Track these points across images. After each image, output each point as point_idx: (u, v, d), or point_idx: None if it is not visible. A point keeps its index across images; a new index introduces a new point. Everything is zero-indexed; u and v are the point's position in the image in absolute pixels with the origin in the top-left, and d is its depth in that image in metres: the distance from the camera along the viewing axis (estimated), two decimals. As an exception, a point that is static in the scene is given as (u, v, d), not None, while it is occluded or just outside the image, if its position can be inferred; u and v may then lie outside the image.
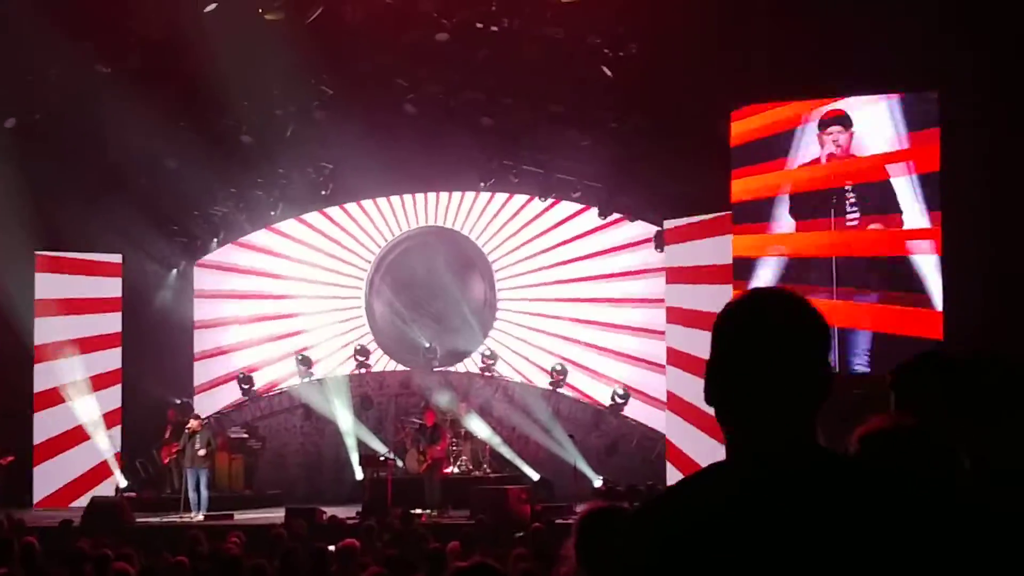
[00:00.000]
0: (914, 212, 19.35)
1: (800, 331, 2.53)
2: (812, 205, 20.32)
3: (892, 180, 19.62)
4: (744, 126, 20.93)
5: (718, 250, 21.57)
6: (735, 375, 2.53)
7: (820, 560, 2.33)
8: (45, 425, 24.86)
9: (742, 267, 20.70)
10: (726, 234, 21.32)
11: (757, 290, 2.65)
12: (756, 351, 2.50)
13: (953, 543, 2.34)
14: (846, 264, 19.81)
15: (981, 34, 17.77)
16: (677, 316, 22.78)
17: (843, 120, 20.17)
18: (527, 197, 26.23)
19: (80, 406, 24.78)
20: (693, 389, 21.56)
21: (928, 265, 19.26)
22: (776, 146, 20.68)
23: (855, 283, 19.59)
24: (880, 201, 19.74)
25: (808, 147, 20.49)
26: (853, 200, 19.87)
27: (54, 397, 24.86)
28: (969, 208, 18.47)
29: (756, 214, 20.77)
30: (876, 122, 19.90)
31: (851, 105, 20.23)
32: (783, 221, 20.57)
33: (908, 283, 19.44)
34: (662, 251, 23.80)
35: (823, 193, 20.12)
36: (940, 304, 19.00)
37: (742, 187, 20.92)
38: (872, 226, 19.76)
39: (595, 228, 25.80)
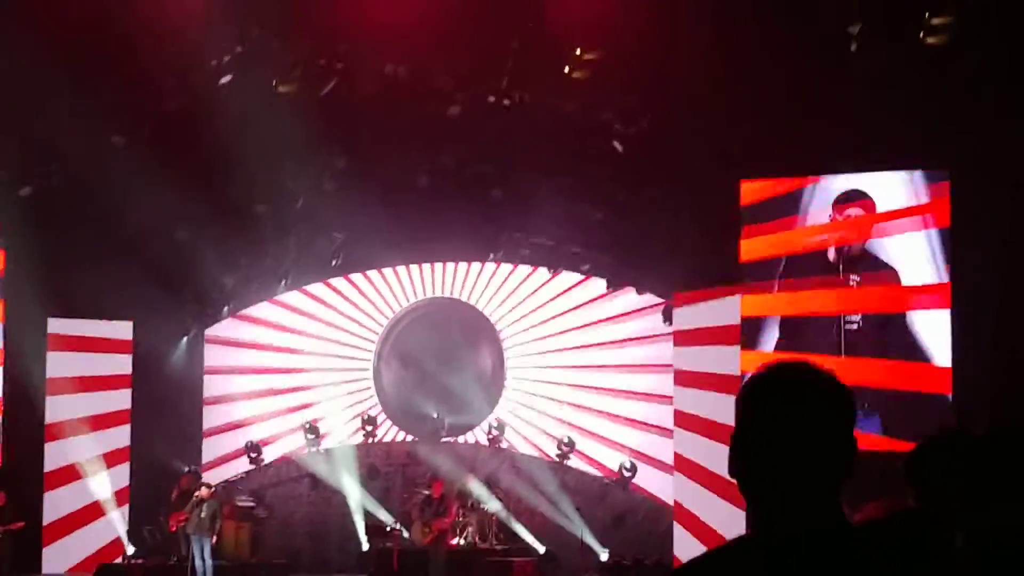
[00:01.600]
0: (927, 267, 19.34)
1: (826, 405, 2.53)
2: (819, 266, 20.39)
3: (888, 239, 19.70)
4: (757, 186, 21.04)
5: (726, 311, 21.53)
6: (760, 448, 2.52)
7: None
8: (55, 503, 24.81)
9: (750, 327, 20.74)
10: (734, 295, 21.35)
11: (781, 363, 2.64)
12: (782, 425, 2.50)
13: None
14: (851, 323, 19.82)
15: (990, 114, 17.88)
16: (684, 379, 22.72)
17: (864, 203, 20.23)
18: (543, 274, 26.29)
19: (90, 484, 24.76)
20: (701, 450, 21.53)
21: (935, 321, 19.27)
22: (787, 205, 20.78)
23: (861, 341, 19.54)
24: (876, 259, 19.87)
25: (818, 214, 20.59)
26: (856, 262, 19.96)
27: (64, 475, 24.83)
28: (980, 261, 18.51)
29: (764, 274, 20.82)
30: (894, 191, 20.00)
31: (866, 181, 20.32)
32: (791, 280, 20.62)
33: (915, 340, 19.45)
34: (670, 323, 23.78)
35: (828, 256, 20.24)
36: (947, 361, 18.99)
37: (750, 247, 20.99)
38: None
39: (602, 295, 25.81)
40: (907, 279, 19.62)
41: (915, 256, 19.62)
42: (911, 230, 19.67)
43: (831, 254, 20.22)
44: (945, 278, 19.24)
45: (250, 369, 27.78)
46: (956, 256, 19.05)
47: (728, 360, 20.70)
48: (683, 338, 23.05)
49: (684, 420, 22.56)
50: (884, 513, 3.37)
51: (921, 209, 19.65)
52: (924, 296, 19.48)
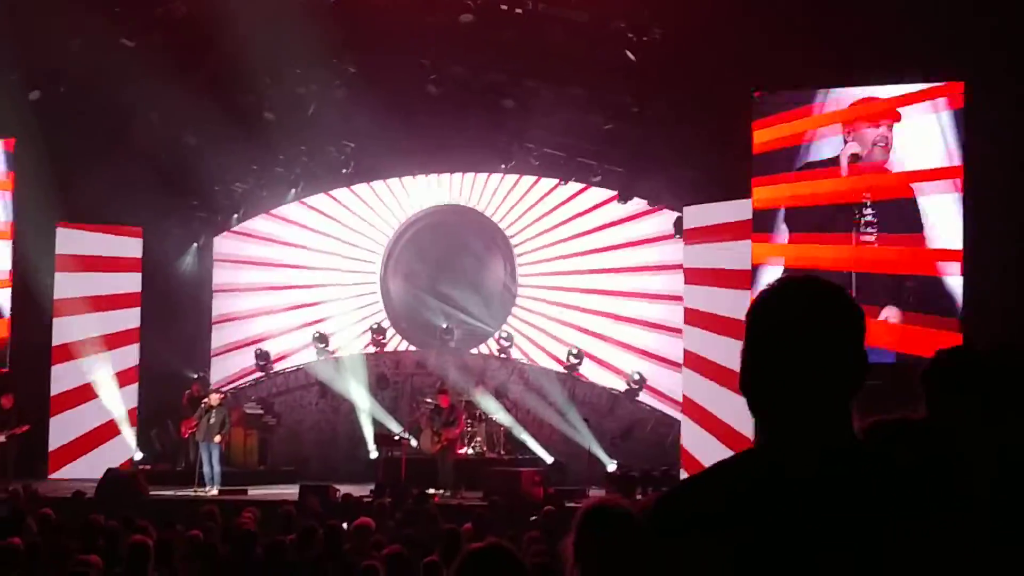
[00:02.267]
0: (954, 230, 19.22)
1: (835, 318, 2.51)
2: (827, 218, 20.29)
3: (921, 199, 19.51)
4: (767, 135, 20.85)
5: (737, 255, 21.44)
6: (769, 363, 2.50)
7: (844, 550, 2.31)
8: (62, 379, 24.96)
9: (760, 275, 20.67)
10: (745, 239, 21.25)
11: (791, 278, 2.62)
12: (791, 339, 2.48)
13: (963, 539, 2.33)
14: (866, 280, 19.73)
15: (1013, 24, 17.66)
16: (695, 318, 22.66)
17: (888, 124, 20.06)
18: (553, 182, 26.15)
19: (97, 362, 24.84)
20: (708, 393, 21.54)
21: (959, 286, 19.20)
22: (798, 156, 20.63)
23: (875, 300, 19.42)
24: (901, 220, 19.68)
25: (829, 149, 20.48)
26: (871, 217, 19.79)
27: (71, 352, 24.92)
28: (995, 224, 18.40)
29: (775, 224, 20.74)
30: (920, 135, 19.79)
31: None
32: (800, 232, 20.55)
33: (933, 303, 19.38)
34: (680, 237, 23.71)
35: (840, 207, 20.12)
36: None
37: (763, 195, 20.89)
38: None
39: (617, 220, 25.72)
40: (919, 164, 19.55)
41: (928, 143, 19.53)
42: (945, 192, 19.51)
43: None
44: (957, 161, 19.13)
45: (260, 261, 27.98)
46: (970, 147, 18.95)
47: (739, 303, 20.47)
48: (694, 276, 22.95)
49: (693, 317, 22.56)
50: (891, 421, 3.31)
51: (934, 92, 19.52)
52: (936, 182, 19.41)
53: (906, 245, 19.57)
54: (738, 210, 21.45)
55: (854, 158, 20.16)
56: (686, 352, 22.90)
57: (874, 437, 3.22)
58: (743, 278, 20.96)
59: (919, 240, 19.43)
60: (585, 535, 4.26)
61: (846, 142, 20.28)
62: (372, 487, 20.91)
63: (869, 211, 19.81)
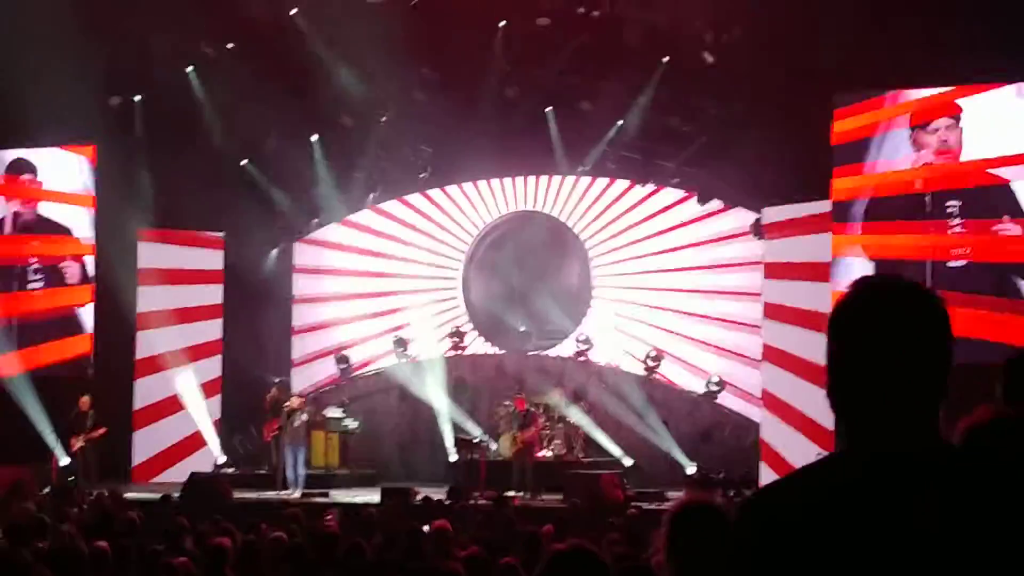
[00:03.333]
0: None
1: (925, 321, 2.46)
2: (905, 209, 20.17)
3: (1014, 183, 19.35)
4: (848, 124, 20.74)
5: (817, 247, 21.33)
6: (858, 366, 2.46)
7: (940, 556, 2.28)
8: (145, 392, 25.30)
9: (839, 266, 20.56)
10: (825, 231, 21.13)
11: (879, 278, 2.58)
12: (882, 342, 2.44)
13: None
14: (944, 269, 19.60)
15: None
16: (774, 312, 22.56)
17: (953, 115, 19.89)
18: (626, 184, 26.14)
19: (181, 374, 25.14)
20: (788, 387, 21.42)
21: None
22: (878, 146, 20.49)
23: (957, 288, 19.24)
24: (991, 206, 19.51)
25: (901, 149, 20.36)
26: (954, 208, 19.66)
27: (154, 365, 25.24)
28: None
29: (854, 215, 20.63)
30: (995, 115, 19.57)
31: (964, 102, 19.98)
32: (880, 223, 20.42)
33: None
34: (760, 238, 23.60)
35: (919, 198, 20.01)
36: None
37: (843, 186, 20.77)
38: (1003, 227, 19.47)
39: (693, 219, 25.65)
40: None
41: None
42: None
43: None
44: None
45: (340, 271, 28.14)
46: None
47: (819, 296, 20.34)
48: (774, 271, 22.84)
49: (772, 354, 22.44)
50: (997, 416, 3.26)
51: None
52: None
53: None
54: (818, 247, 21.36)
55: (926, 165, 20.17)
56: (765, 347, 22.82)
57: (974, 440, 3.19)
58: (823, 271, 20.90)
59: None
60: (677, 533, 4.26)
61: (913, 137, 20.17)
62: (447, 490, 20.91)
63: (953, 201, 19.69)
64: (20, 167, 25.30)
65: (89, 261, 24.75)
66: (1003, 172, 19.38)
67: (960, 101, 19.95)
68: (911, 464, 2.38)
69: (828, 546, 2.35)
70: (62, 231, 24.94)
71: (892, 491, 2.36)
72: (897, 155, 20.40)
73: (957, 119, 19.86)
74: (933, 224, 19.80)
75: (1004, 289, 19.22)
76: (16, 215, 25.33)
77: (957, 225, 19.69)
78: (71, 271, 24.91)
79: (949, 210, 19.71)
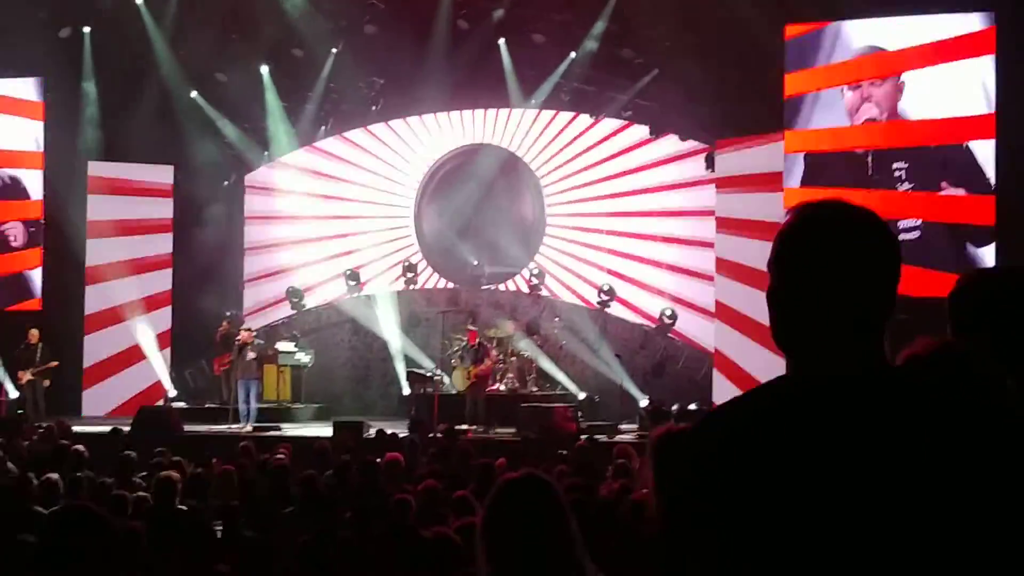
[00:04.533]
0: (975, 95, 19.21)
1: (865, 242, 2.42)
2: (849, 169, 20.29)
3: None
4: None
5: (769, 157, 21.44)
6: (799, 298, 2.43)
7: (878, 476, 2.26)
8: (96, 345, 25.19)
9: (791, 164, 20.76)
10: (777, 141, 21.20)
11: (818, 201, 2.50)
12: (820, 265, 2.40)
13: (1005, 461, 2.28)
14: (890, 156, 19.70)
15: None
16: (727, 225, 22.74)
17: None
18: (584, 119, 26.03)
19: (132, 327, 25.01)
20: (742, 297, 21.58)
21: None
22: (828, 46, 20.56)
23: (905, 175, 19.42)
24: (930, 170, 19.75)
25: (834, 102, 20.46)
26: (901, 169, 19.80)
27: (105, 319, 25.13)
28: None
29: (803, 171, 20.71)
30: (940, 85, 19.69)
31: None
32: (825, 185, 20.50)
33: (959, 172, 19.35)
34: (712, 170, 23.61)
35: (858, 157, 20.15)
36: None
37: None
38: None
39: (643, 141, 25.54)
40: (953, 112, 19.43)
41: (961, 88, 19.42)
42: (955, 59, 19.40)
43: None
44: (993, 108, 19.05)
45: (291, 216, 27.73)
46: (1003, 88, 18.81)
47: (771, 206, 20.57)
48: (726, 183, 22.93)
49: (726, 267, 22.56)
50: (929, 351, 3.23)
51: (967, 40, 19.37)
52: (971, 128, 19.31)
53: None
54: (770, 157, 21.35)
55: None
56: (718, 303, 23.01)
57: (911, 367, 3.17)
58: (775, 180, 21.15)
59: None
60: (663, 463, 4.20)
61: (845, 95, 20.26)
62: (407, 424, 20.91)
63: (900, 163, 19.78)
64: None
65: (35, 176, 24.79)
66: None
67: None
68: (852, 386, 2.36)
69: (763, 466, 2.32)
70: (9, 195, 24.84)
71: (830, 411, 2.34)
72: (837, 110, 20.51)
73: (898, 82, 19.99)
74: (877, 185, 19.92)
75: (961, 260, 19.30)
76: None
77: (905, 187, 19.81)
78: (16, 233, 24.78)
79: (896, 172, 19.80)
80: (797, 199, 20.39)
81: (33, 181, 24.75)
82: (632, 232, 25.68)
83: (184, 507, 9.53)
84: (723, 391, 21.84)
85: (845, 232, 2.42)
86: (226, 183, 27.44)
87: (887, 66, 20.04)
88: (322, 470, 11.83)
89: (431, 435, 17.63)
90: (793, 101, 20.86)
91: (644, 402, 22.96)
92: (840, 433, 2.31)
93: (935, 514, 2.23)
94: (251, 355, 21.83)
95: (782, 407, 2.39)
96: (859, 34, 20.49)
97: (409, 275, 26.84)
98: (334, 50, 24.92)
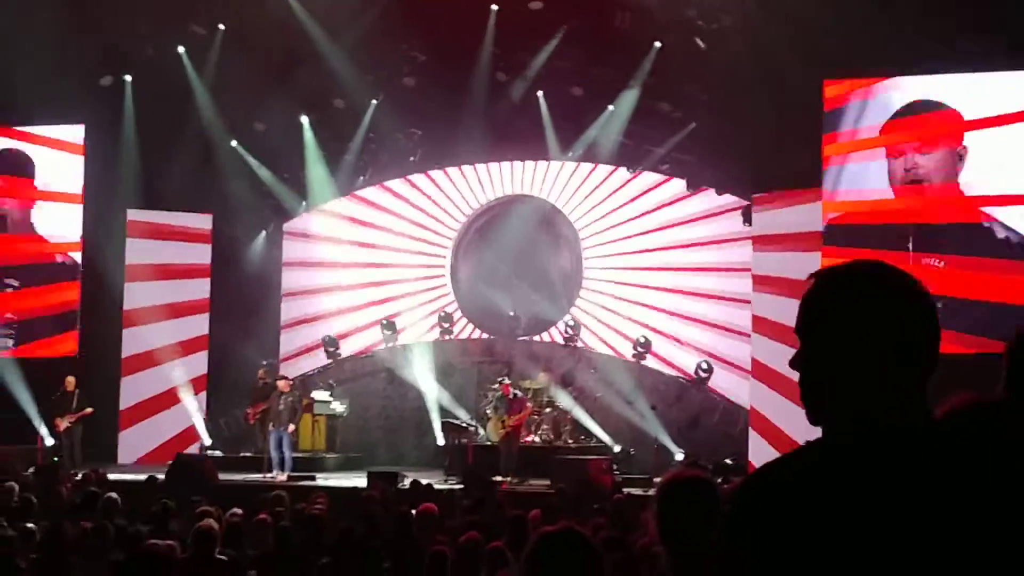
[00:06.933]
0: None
1: (901, 300, 2.40)
2: (884, 238, 20.17)
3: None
4: (839, 89, 20.83)
5: (807, 216, 21.37)
6: (830, 350, 2.40)
7: (935, 533, 2.23)
8: (132, 389, 25.26)
9: (833, 232, 20.59)
10: (815, 201, 21.15)
11: (852, 261, 2.48)
12: (856, 322, 2.37)
13: None
14: (943, 230, 19.59)
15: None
16: (763, 283, 22.58)
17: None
18: (621, 173, 26.05)
19: (168, 370, 25.10)
20: (778, 357, 21.39)
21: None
22: (871, 110, 20.54)
23: (958, 251, 19.27)
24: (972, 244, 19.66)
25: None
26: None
27: (142, 361, 25.21)
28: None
29: (848, 179, 20.65)
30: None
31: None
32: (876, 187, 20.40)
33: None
34: (750, 225, 23.56)
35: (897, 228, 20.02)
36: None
37: (835, 151, 20.80)
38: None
39: (681, 196, 25.57)
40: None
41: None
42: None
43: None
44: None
45: (329, 264, 27.83)
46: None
47: (809, 265, 20.43)
48: (762, 242, 22.85)
49: (762, 325, 22.41)
50: (968, 404, 3.20)
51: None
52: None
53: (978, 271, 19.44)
54: (808, 215, 21.32)
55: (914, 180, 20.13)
56: (754, 361, 22.81)
57: (952, 422, 3.15)
58: (813, 240, 21.10)
59: (993, 266, 19.29)
60: (669, 507, 4.18)
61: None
62: (442, 474, 20.84)
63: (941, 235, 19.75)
64: (13, 163, 25.22)
65: (74, 212, 24.94)
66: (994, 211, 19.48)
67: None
68: (896, 443, 2.33)
69: (821, 521, 2.28)
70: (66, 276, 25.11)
71: (883, 465, 2.31)
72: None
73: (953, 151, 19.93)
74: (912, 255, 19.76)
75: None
76: (4, 216, 25.32)
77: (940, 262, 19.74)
78: (59, 270, 25.00)
79: (933, 246, 19.74)
80: (834, 259, 20.36)
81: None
82: (668, 287, 25.63)
83: (223, 556, 9.53)
84: (759, 449, 21.66)
85: (877, 285, 2.41)
86: (264, 231, 27.58)
87: (937, 130, 20.04)
88: (357, 520, 11.81)
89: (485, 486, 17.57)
90: (832, 168, 20.87)
91: (680, 455, 22.86)
92: (884, 489, 2.27)
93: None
94: (285, 403, 21.86)
95: (825, 466, 2.35)
96: (901, 93, 20.49)
97: (445, 325, 26.88)
98: (374, 101, 25.06)
